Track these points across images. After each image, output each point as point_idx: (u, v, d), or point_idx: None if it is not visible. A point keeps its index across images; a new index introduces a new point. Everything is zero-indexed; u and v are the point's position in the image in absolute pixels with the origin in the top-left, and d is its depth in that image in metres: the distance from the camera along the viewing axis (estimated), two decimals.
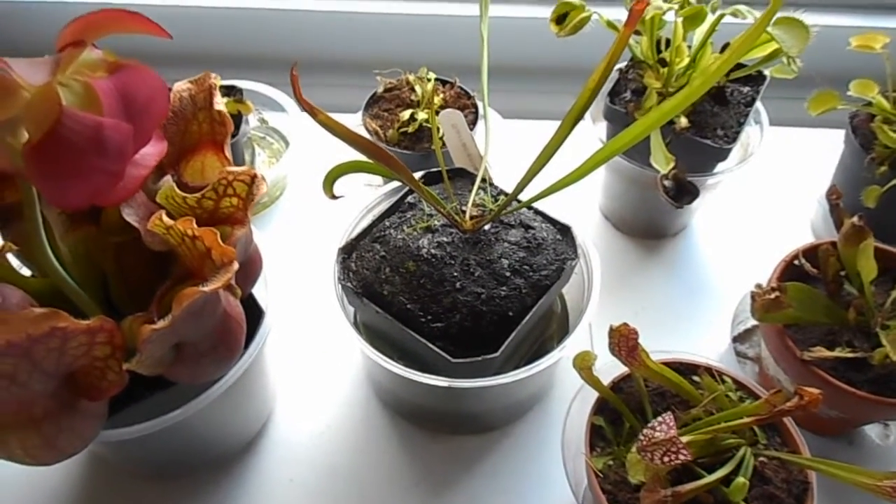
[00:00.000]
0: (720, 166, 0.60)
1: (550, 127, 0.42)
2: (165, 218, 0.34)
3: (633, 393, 0.45)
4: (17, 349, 0.29)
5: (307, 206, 0.72)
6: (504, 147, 0.69)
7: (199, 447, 0.51)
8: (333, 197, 0.45)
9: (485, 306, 0.46)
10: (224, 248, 0.33)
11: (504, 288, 0.47)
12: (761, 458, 0.42)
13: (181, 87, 0.43)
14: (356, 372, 0.60)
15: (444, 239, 0.49)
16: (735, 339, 0.60)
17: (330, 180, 0.44)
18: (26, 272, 0.42)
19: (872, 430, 0.56)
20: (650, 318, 0.64)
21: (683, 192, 0.49)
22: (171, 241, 0.35)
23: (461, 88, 0.69)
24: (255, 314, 0.47)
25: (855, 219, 0.48)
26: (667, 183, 0.49)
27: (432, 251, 0.48)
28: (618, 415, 0.45)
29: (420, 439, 0.56)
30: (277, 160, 0.73)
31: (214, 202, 0.40)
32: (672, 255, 0.69)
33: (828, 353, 0.47)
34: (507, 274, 0.48)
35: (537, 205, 0.52)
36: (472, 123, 0.65)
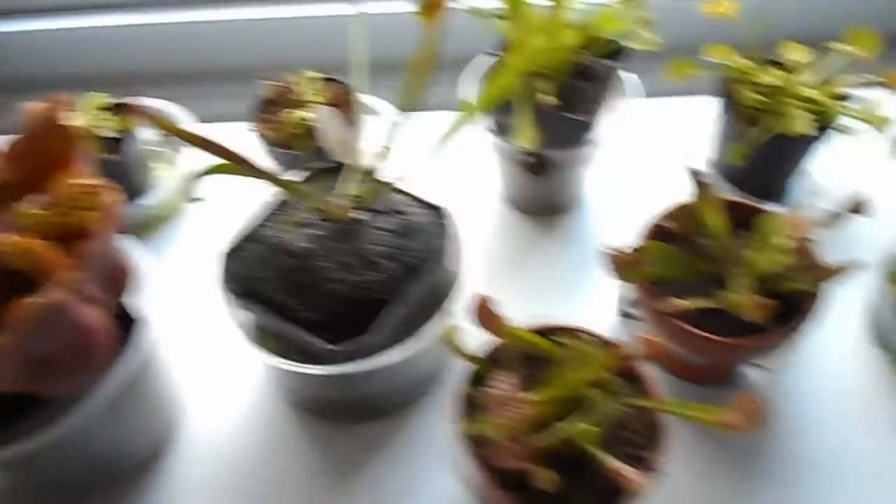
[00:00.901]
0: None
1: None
2: None
3: (507, 360, 0.48)
4: None
5: (214, 216, 0.74)
6: (401, 140, 0.71)
7: (99, 460, 0.52)
8: (193, 200, 0.47)
9: (357, 291, 0.48)
10: (60, 260, 0.35)
11: (376, 273, 0.49)
12: (620, 407, 0.45)
13: (33, 107, 0.44)
14: (262, 373, 0.61)
15: (317, 232, 0.50)
16: (623, 302, 0.63)
17: (190, 184, 0.46)
18: None
19: (752, 373, 0.59)
20: (547, 292, 0.66)
21: (541, 166, 0.52)
22: (10, 257, 0.36)
23: (346, 86, 0.71)
24: (133, 324, 0.48)
25: (702, 177, 0.51)
26: (526, 158, 0.52)
27: (304, 244, 0.50)
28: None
29: (324, 430, 0.58)
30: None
31: (64, 216, 0.41)
32: (567, 229, 0.72)
33: (682, 304, 0.49)
34: (380, 259, 0.50)
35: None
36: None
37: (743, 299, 0.45)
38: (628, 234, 0.71)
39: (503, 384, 0.38)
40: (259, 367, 0.61)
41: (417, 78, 0.45)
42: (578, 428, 0.41)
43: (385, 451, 0.56)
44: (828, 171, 0.72)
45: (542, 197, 0.71)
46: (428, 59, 0.44)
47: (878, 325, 0.61)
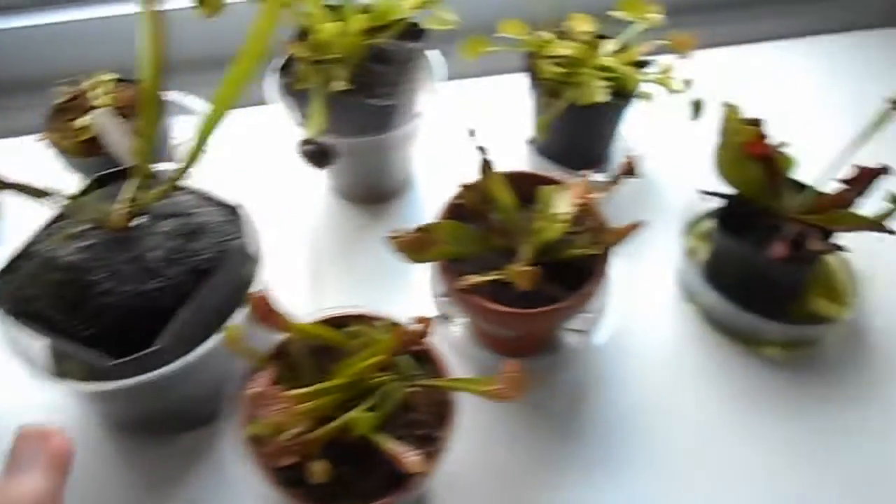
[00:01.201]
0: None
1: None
2: None
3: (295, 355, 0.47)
4: None
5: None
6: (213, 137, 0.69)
7: None
8: None
9: (134, 302, 0.46)
10: None
11: (156, 280, 0.47)
12: (411, 389, 0.45)
13: None
14: (65, 400, 0.58)
15: (88, 242, 0.48)
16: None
17: None
18: None
19: (570, 338, 0.61)
20: (373, 280, 0.66)
21: (323, 155, 0.51)
22: None
23: None
24: None
25: (485, 153, 0.51)
26: (307, 148, 0.51)
27: (73, 257, 0.47)
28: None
29: (140, 447, 0.55)
30: None
31: None
32: (396, 215, 0.71)
33: (477, 279, 0.50)
34: (160, 265, 0.48)
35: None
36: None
37: (513, 270, 0.45)
38: None
39: (256, 381, 0.37)
40: (62, 394, 0.58)
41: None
42: (356, 415, 0.41)
43: (207, 460, 0.55)
44: (641, 135, 0.75)
45: (367, 184, 0.70)
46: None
47: (684, 282, 0.64)
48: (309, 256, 0.68)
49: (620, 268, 0.57)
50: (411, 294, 0.64)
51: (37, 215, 0.52)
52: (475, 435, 0.54)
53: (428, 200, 0.73)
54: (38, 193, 0.46)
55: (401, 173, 0.71)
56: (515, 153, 0.75)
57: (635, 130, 0.74)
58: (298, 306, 0.62)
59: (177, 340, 0.47)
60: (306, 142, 0.51)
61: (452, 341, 0.59)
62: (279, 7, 0.40)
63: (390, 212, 0.72)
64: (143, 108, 0.44)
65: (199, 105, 0.70)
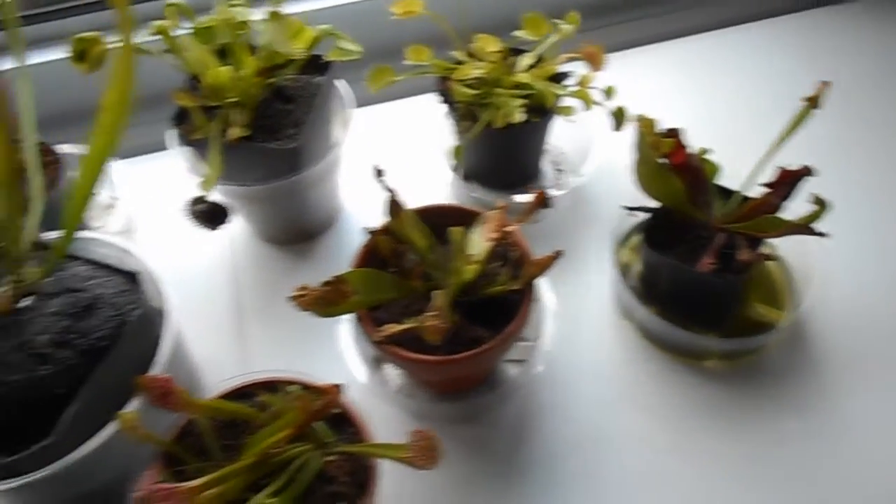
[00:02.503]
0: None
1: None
2: None
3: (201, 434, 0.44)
4: None
5: None
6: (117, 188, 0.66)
7: None
8: None
9: (26, 392, 0.43)
10: None
11: (46, 366, 0.44)
12: (329, 458, 0.42)
13: None
14: None
15: None
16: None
17: None
18: None
19: (509, 369, 0.58)
20: (301, 330, 0.62)
21: (217, 214, 0.48)
22: None
23: (44, 144, 0.63)
24: None
25: (392, 192, 0.49)
26: (197, 207, 0.47)
27: None
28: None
29: None
30: None
31: None
32: (322, 252, 0.68)
33: (396, 328, 0.47)
34: (49, 350, 0.44)
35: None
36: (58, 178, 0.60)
37: (422, 322, 0.43)
38: None
39: (142, 484, 0.34)
40: None
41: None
42: (263, 501, 0.38)
43: None
44: (573, 147, 0.73)
45: (288, 226, 0.67)
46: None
47: (620, 299, 0.62)
48: (232, 307, 0.64)
49: (555, 289, 0.55)
50: (341, 343, 0.61)
51: None
52: (408, 495, 0.52)
53: (356, 232, 0.70)
54: None
55: (324, 209, 0.68)
56: (439, 176, 0.72)
57: (562, 141, 0.72)
58: (223, 364, 0.60)
59: (74, 428, 0.44)
60: (196, 200, 0.47)
61: (390, 386, 0.56)
62: (131, 56, 0.37)
63: (318, 249, 0.69)
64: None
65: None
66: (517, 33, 0.63)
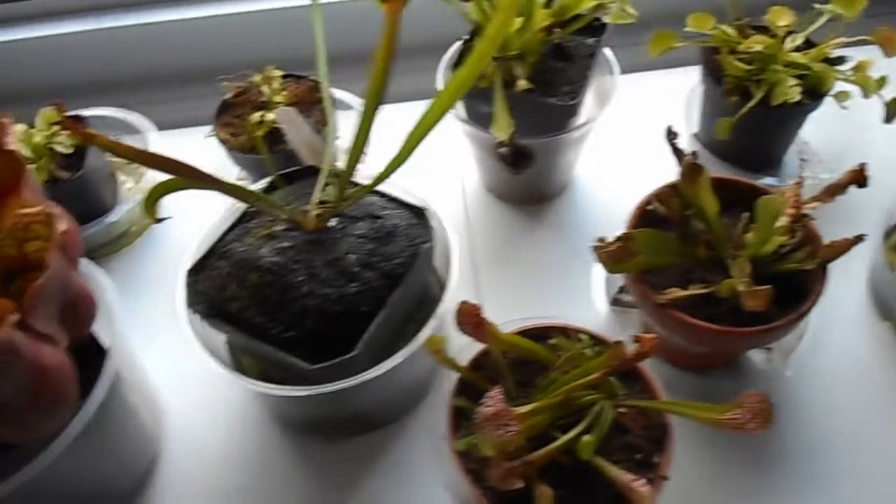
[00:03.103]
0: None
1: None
2: None
3: (496, 367, 0.45)
4: None
5: (184, 230, 0.70)
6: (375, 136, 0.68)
7: (77, 498, 0.49)
8: (157, 220, 0.44)
9: (336, 306, 0.45)
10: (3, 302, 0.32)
11: (354, 284, 0.46)
12: (621, 409, 0.42)
13: None
14: (242, 394, 0.58)
15: (286, 244, 0.47)
16: (614, 289, 0.60)
17: (150, 202, 0.43)
18: None
19: (756, 356, 0.57)
20: (536, 283, 0.63)
21: (521, 157, 0.48)
22: None
23: (314, 81, 0.67)
24: (99, 356, 0.45)
25: (689, 155, 0.48)
26: (503, 150, 0.48)
27: (274, 259, 0.47)
28: (482, 393, 0.44)
29: (316, 448, 0.55)
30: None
31: (17, 248, 0.38)
32: (556, 216, 0.69)
33: (681, 293, 0.47)
34: (356, 269, 0.47)
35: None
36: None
37: (740, 287, 0.42)
38: (618, 216, 0.68)
39: (493, 399, 0.35)
40: (239, 389, 0.58)
41: (383, 69, 0.42)
42: (577, 439, 0.39)
43: (379, 466, 0.54)
44: (821, 139, 0.69)
45: (528, 184, 0.67)
46: (390, 48, 0.41)
47: (882, 298, 0.59)
48: (469, 261, 0.66)
49: None
50: (576, 296, 0.61)
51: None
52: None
53: (589, 201, 0.70)
54: (246, 195, 0.46)
55: (565, 174, 0.68)
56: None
57: (818, 132, 0.68)
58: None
59: (372, 347, 0.46)
60: (501, 144, 0.49)
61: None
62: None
63: (549, 213, 0.69)
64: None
65: (353, 101, 0.69)
66: (820, 7, 0.59)
